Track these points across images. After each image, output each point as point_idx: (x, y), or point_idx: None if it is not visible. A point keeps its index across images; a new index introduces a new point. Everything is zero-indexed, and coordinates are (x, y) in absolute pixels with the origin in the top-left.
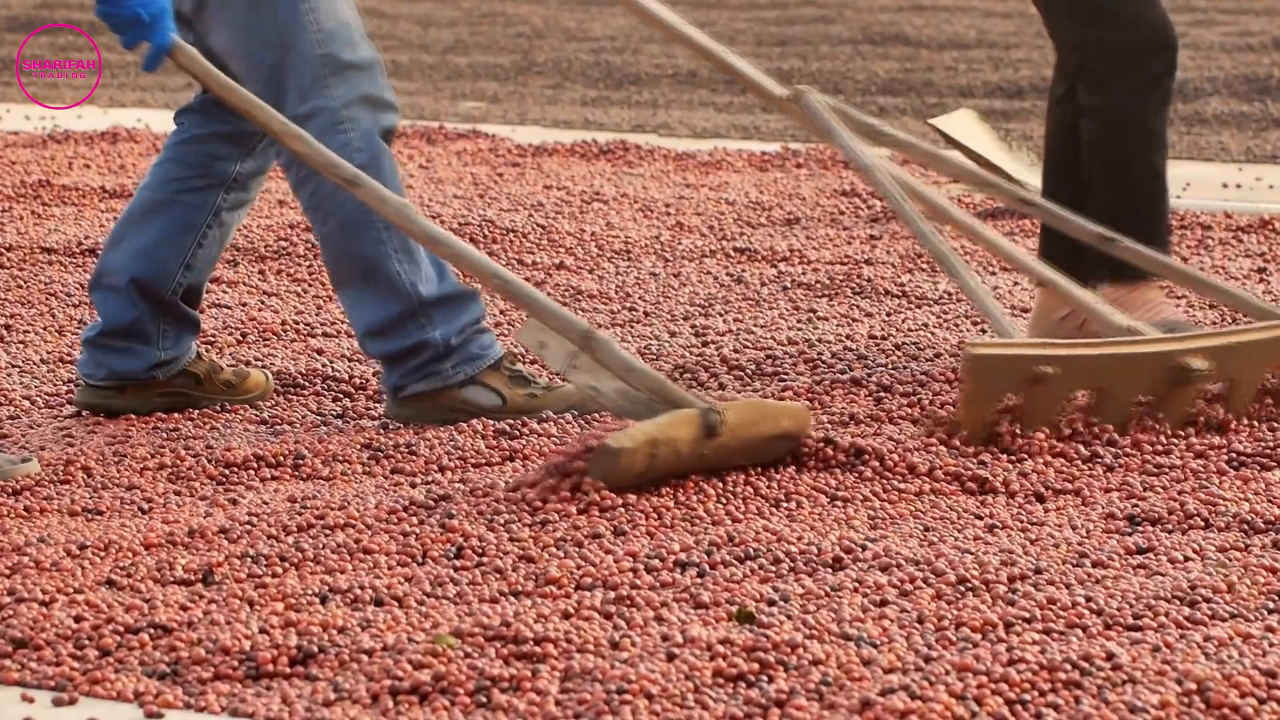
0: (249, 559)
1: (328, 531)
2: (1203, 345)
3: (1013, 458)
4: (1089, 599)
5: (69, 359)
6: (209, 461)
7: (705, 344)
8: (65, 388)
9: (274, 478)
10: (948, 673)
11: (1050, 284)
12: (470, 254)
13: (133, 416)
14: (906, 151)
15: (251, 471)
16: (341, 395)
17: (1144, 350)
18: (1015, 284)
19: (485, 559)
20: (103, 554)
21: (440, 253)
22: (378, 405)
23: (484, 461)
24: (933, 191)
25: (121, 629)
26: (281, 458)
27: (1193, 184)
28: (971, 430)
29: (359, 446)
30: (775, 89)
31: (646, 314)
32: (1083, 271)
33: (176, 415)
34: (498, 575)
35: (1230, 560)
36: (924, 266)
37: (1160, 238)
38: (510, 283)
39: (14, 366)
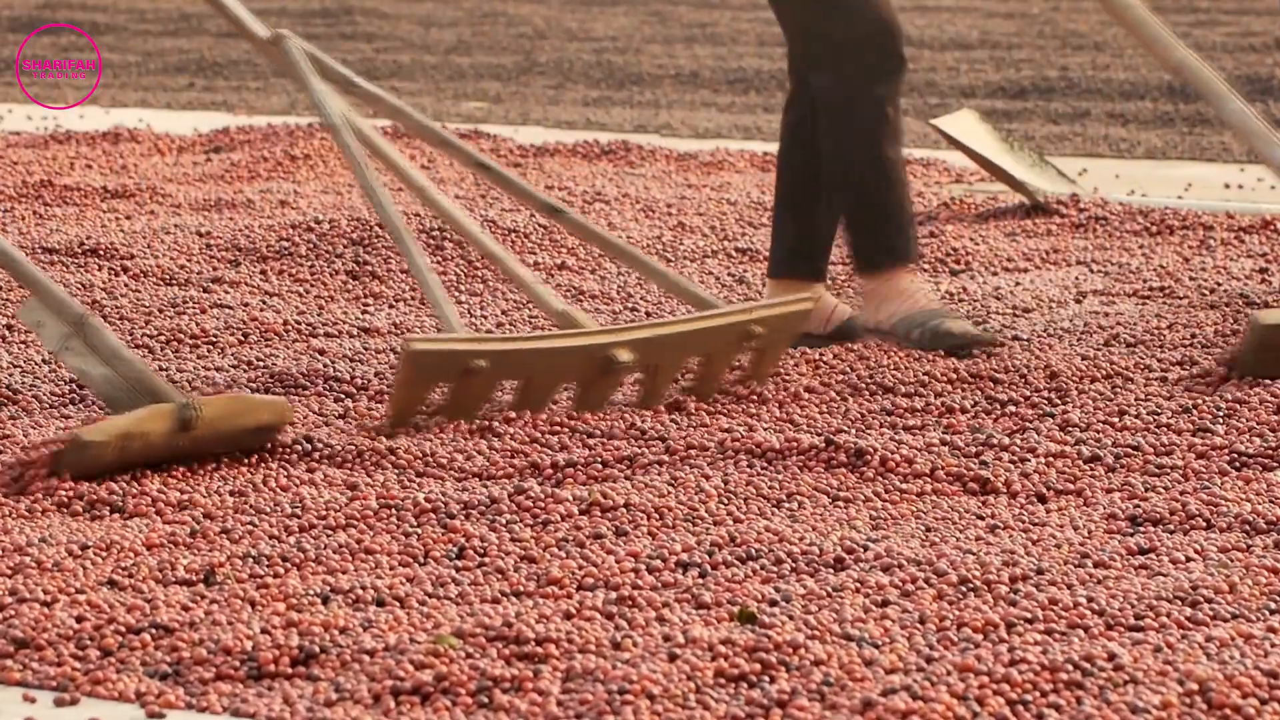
0: (251, 559)
1: (329, 532)
2: (628, 338)
3: (1015, 458)
4: (1091, 599)
5: None
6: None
7: None
8: (68, 387)
9: None
10: (949, 673)
11: (496, 259)
12: None
13: None
14: (377, 106)
15: None
16: (343, 395)
17: (572, 344)
18: (1016, 284)
19: (487, 559)
20: (104, 554)
21: None
22: (380, 405)
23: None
24: (395, 153)
25: (123, 629)
26: None
27: (1195, 184)
28: (398, 417)
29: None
30: (258, 30)
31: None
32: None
33: None
34: (499, 576)
35: (1232, 561)
36: (925, 267)
37: (899, 227)
38: (17, 262)
39: (15, 366)
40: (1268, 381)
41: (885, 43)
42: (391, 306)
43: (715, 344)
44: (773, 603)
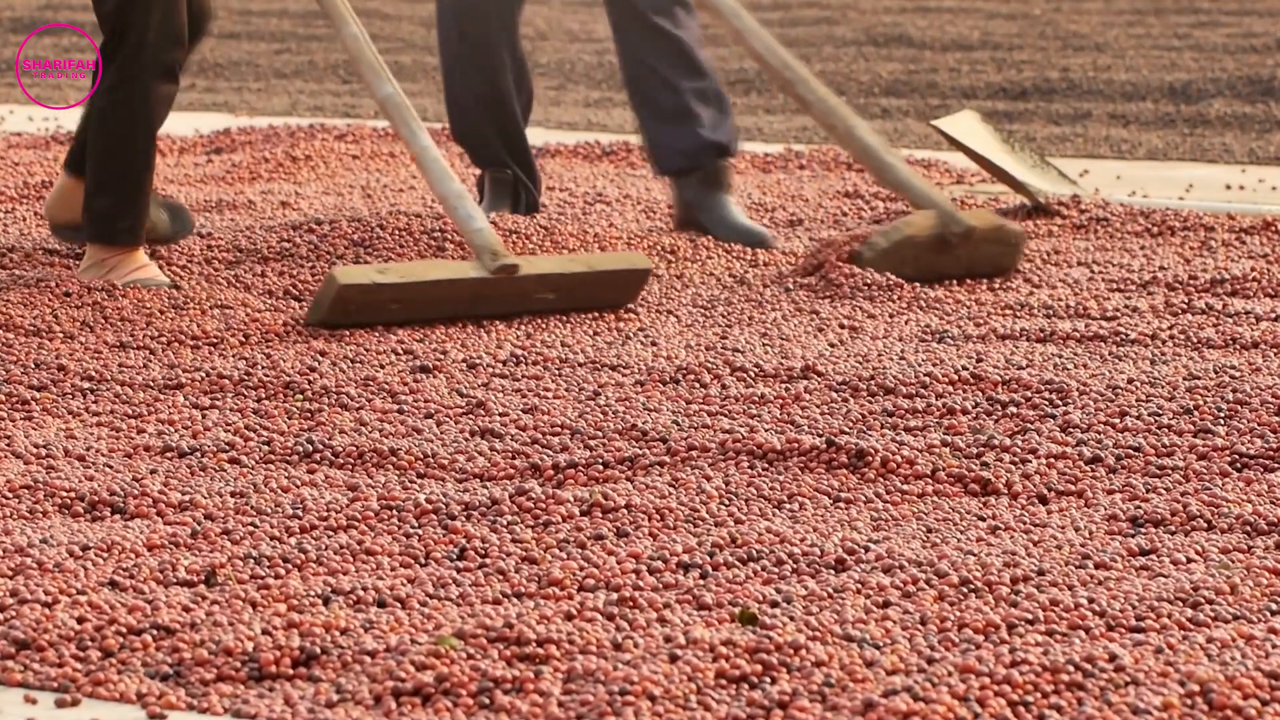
0: (252, 560)
1: (330, 533)
2: None
3: (1016, 459)
4: (1092, 600)
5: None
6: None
7: (708, 346)
8: (68, 387)
9: None
10: (950, 674)
11: None
12: None
13: (134, 419)
14: None
15: None
16: (344, 397)
17: None
18: (1017, 284)
19: (488, 560)
20: (105, 555)
21: None
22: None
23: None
24: None
25: (124, 630)
26: None
27: (1196, 185)
28: None
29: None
30: None
31: None
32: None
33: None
34: (500, 577)
35: (1233, 562)
36: None
37: (141, 213)
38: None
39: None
40: (1270, 383)
41: (171, 49)
42: None
43: None
44: (774, 604)
